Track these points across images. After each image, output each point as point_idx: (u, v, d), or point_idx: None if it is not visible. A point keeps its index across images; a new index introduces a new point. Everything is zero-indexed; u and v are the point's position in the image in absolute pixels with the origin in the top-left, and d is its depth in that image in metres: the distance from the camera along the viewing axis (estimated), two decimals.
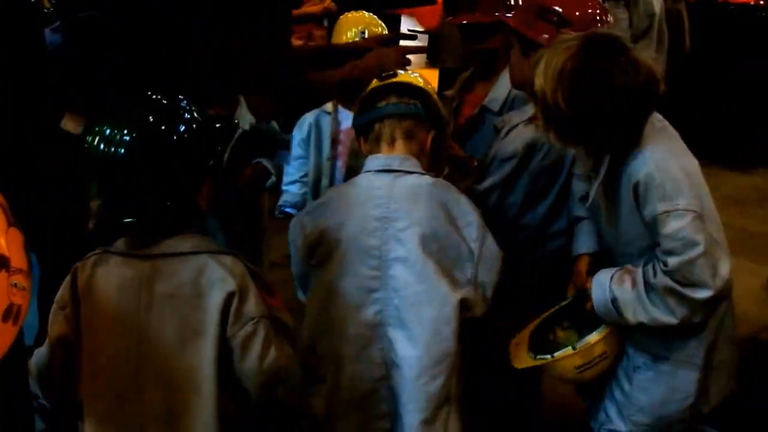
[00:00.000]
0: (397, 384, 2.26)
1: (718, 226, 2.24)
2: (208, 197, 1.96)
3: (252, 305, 1.90)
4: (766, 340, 3.93)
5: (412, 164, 2.32)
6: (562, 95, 2.12)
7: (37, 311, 2.84)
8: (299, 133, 3.46)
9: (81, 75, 2.84)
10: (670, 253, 2.13)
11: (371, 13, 3.43)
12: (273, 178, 3.42)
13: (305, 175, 3.49)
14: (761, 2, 8.29)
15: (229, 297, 1.87)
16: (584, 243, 2.54)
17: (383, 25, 3.40)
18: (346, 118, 3.28)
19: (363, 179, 2.33)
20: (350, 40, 3.23)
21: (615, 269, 2.31)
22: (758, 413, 3.18)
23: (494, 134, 2.76)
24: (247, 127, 3.29)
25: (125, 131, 1.83)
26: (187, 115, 1.92)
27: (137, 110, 1.90)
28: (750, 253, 4.77)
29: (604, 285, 2.29)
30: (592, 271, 2.41)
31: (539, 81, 2.17)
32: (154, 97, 1.93)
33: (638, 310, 2.22)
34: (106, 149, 1.83)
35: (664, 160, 2.18)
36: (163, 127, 1.87)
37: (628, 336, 2.37)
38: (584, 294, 2.38)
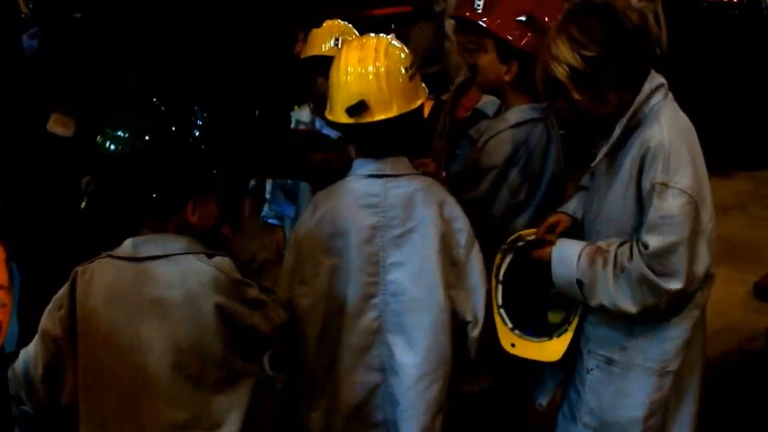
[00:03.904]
0: (394, 391, 2.29)
1: (711, 216, 2.21)
2: (206, 213, 1.98)
3: (250, 294, 1.96)
4: (755, 350, 3.86)
5: (404, 165, 2.29)
6: (584, 50, 2.12)
7: (17, 318, 2.86)
8: None
9: (68, 76, 2.85)
10: (652, 229, 2.11)
11: (345, 22, 3.33)
12: (252, 182, 3.40)
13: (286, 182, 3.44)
14: (734, 0, 8.29)
15: (224, 309, 1.90)
16: (568, 204, 2.50)
17: (357, 33, 3.31)
18: (322, 127, 3.20)
19: (354, 184, 2.28)
20: (326, 50, 3.16)
21: (582, 244, 2.27)
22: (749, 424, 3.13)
23: (469, 144, 2.71)
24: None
25: (133, 130, 1.90)
26: (198, 121, 1.98)
27: (147, 111, 1.97)
28: (734, 261, 4.70)
29: (570, 262, 2.25)
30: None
31: (559, 64, 2.15)
32: (165, 101, 1.98)
33: (602, 292, 2.20)
34: (109, 147, 1.89)
35: (677, 136, 2.16)
36: (173, 129, 1.93)
37: (583, 336, 2.37)
38: (537, 244, 2.39)
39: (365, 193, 2.24)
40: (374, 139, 2.25)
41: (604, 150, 2.22)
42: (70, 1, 2.96)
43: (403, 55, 2.27)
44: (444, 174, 2.69)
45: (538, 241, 2.40)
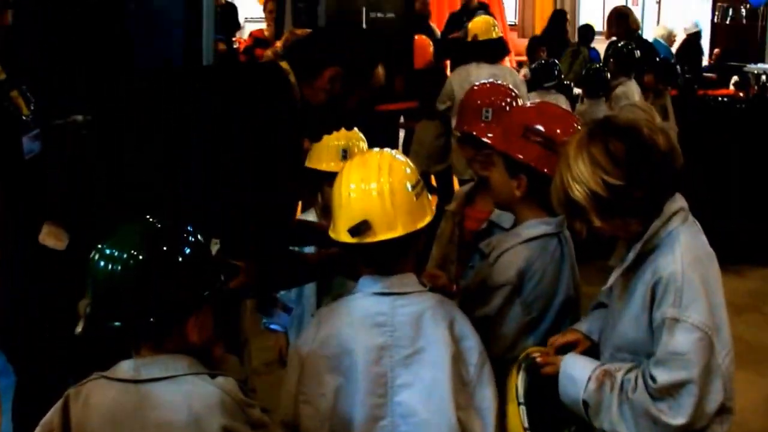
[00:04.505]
0: None
1: (728, 350, 2.11)
2: (203, 329, 1.91)
3: (254, 415, 1.92)
4: None
5: (411, 282, 2.21)
6: (608, 176, 2.02)
7: (11, 419, 2.97)
8: None
9: (61, 186, 2.83)
10: (662, 364, 2.04)
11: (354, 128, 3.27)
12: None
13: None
14: (740, 94, 8.43)
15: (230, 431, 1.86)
16: (582, 323, 2.42)
17: (363, 138, 3.27)
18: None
19: (360, 302, 2.19)
20: (333, 166, 3.09)
21: (592, 366, 2.18)
22: None
23: (479, 258, 2.63)
24: None
25: (128, 249, 1.83)
26: (191, 238, 1.91)
27: (142, 230, 1.91)
28: (750, 364, 4.58)
29: (579, 383, 2.17)
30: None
31: (579, 185, 2.05)
32: (159, 219, 1.93)
33: (605, 417, 2.12)
34: (106, 267, 1.82)
35: (691, 265, 2.07)
36: (166, 248, 1.87)
37: None
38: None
39: (372, 312, 2.16)
40: (379, 258, 2.17)
41: (617, 273, 2.15)
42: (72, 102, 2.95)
43: (408, 171, 2.19)
44: (455, 287, 2.60)
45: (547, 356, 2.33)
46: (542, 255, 2.47)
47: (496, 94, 3.01)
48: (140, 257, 1.82)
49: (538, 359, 2.32)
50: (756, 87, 8.95)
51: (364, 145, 3.23)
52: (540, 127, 2.48)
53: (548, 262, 2.48)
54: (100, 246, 1.85)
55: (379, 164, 2.17)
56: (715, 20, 12.08)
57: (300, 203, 5.90)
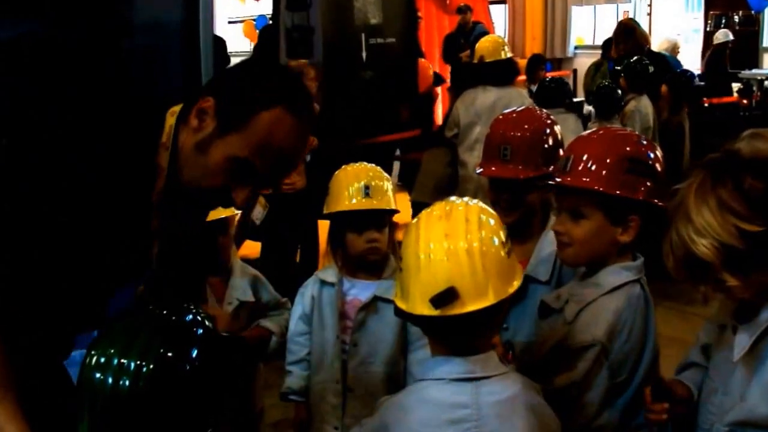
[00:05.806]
0: None
1: None
2: None
3: None
4: None
5: (494, 362, 1.83)
6: (744, 223, 1.71)
7: None
8: (300, 306, 2.97)
9: None
10: None
11: (372, 164, 2.92)
12: (274, 338, 3.10)
13: (310, 353, 2.98)
14: (743, 102, 8.26)
15: None
16: (687, 375, 2.11)
17: (387, 176, 2.91)
18: (351, 288, 2.85)
19: (434, 392, 1.81)
20: (356, 203, 2.75)
21: None
22: None
23: (542, 313, 2.29)
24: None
25: (137, 360, 1.55)
26: (199, 331, 1.64)
27: (146, 333, 1.60)
28: None
29: None
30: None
31: (707, 239, 1.72)
32: (162, 314, 1.66)
33: None
34: (115, 383, 1.54)
35: None
36: (175, 353, 1.58)
37: None
38: None
39: (451, 404, 1.77)
40: (463, 333, 1.79)
41: (747, 344, 1.81)
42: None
43: (493, 222, 1.82)
44: (510, 355, 2.26)
45: None
46: (629, 306, 2.14)
47: (519, 126, 2.60)
48: (150, 367, 1.54)
49: None
50: (758, 93, 8.75)
51: (389, 184, 2.87)
52: (643, 156, 2.18)
53: (635, 313, 2.14)
54: (93, 348, 1.57)
55: (466, 216, 1.78)
56: (708, 29, 11.92)
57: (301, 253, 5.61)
